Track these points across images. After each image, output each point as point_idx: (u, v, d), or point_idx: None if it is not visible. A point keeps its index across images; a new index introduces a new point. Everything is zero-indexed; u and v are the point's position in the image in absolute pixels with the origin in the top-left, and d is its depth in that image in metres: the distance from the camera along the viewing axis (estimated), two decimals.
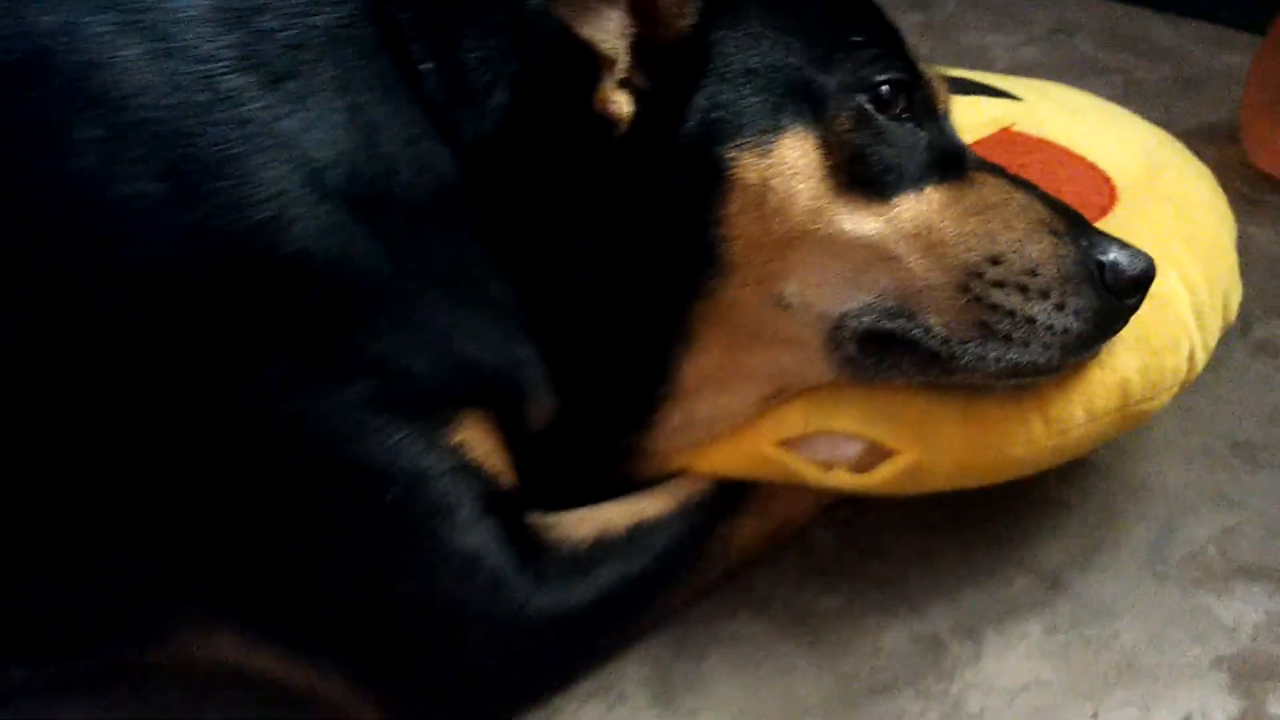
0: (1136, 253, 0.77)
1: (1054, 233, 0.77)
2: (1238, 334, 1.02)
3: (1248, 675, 0.78)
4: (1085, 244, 0.77)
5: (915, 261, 0.75)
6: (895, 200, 0.76)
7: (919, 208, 0.76)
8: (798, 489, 0.84)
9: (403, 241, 0.72)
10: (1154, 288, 0.79)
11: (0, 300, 0.66)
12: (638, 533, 0.79)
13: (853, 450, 0.79)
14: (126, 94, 0.66)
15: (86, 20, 0.67)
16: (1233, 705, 0.76)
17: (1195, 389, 0.96)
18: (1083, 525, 0.89)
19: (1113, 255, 0.76)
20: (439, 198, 0.74)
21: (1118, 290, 0.76)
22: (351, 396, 0.70)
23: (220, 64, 0.68)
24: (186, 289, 0.66)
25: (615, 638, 0.81)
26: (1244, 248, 0.92)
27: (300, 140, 0.69)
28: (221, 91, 0.67)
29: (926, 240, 0.75)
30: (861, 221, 0.75)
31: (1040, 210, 0.78)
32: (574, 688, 0.80)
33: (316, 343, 0.69)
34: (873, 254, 0.75)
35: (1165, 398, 0.82)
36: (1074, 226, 0.78)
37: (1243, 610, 0.82)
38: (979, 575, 0.86)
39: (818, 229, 0.74)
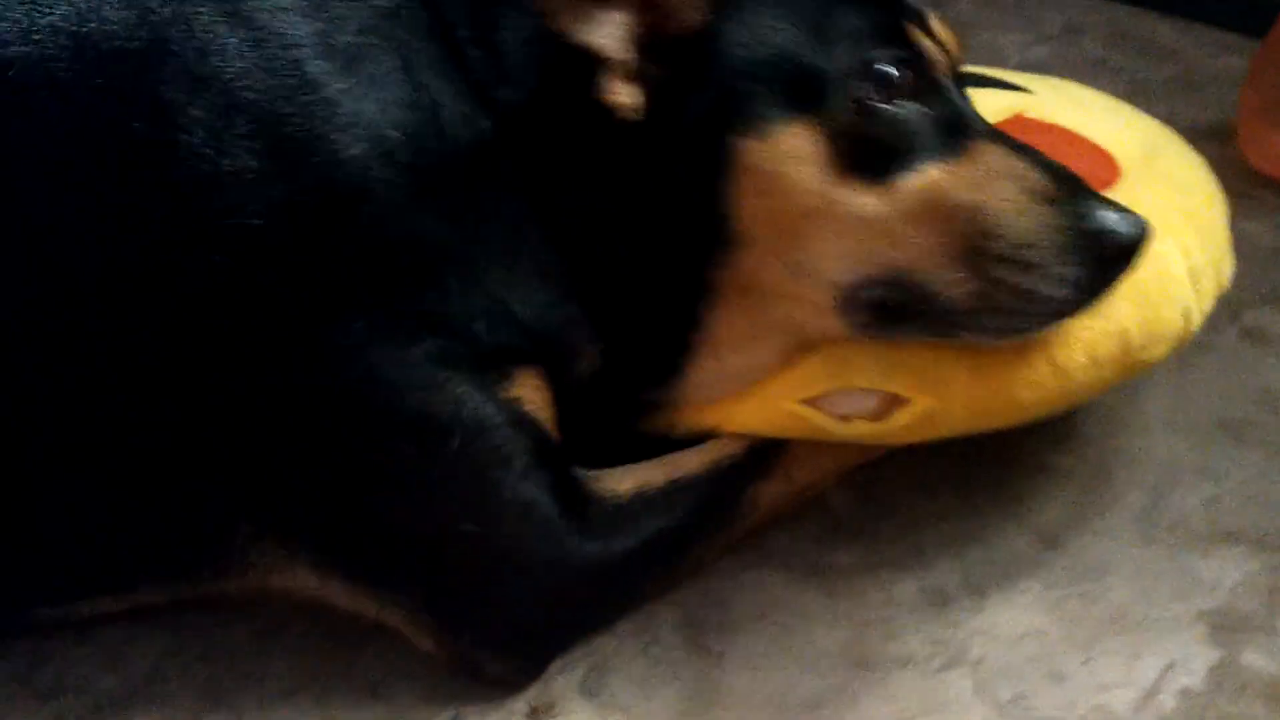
0: (1130, 217, 0.79)
1: (1051, 201, 0.78)
2: (1229, 320, 1.08)
3: (1225, 628, 0.85)
4: (1081, 211, 0.78)
5: (915, 239, 0.78)
6: (895, 181, 0.79)
7: (918, 187, 0.79)
8: (819, 455, 0.91)
9: (464, 212, 0.78)
10: (1153, 248, 0.83)
11: (111, 255, 0.73)
12: (673, 489, 0.85)
13: (870, 402, 0.84)
14: (231, 78, 0.73)
15: (196, 10, 0.74)
16: (1211, 655, 0.83)
17: (1187, 370, 1.04)
18: (1080, 491, 0.95)
19: (1107, 222, 0.78)
20: (493, 172, 0.80)
21: (1111, 255, 0.78)
22: (421, 352, 0.76)
23: (305, 50, 0.75)
24: (280, 254, 0.73)
25: (651, 584, 0.87)
26: (1237, 241, 0.97)
27: (376, 120, 0.75)
28: (308, 76, 0.75)
29: (925, 218, 0.78)
30: (863, 202, 0.78)
31: (1037, 179, 0.80)
32: (612, 632, 0.86)
33: (392, 303, 0.76)
34: (874, 233, 0.79)
35: (1162, 349, 0.87)
36: (1071, 192, 0.80)
37: (1223, 570, 0.88)
38: (984, 534, 0.92)
39: (821, 209, 0.78)
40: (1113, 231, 0.78)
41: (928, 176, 0.80)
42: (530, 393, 0.81)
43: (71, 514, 0.79)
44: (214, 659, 0.86)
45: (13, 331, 0.74)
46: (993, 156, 0.81)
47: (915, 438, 0.87)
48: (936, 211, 0.79)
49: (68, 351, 0.75)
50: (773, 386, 0.86)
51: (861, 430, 0.85)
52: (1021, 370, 0.83)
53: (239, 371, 0.75)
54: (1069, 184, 0.81)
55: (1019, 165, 0.81)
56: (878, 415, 0.85)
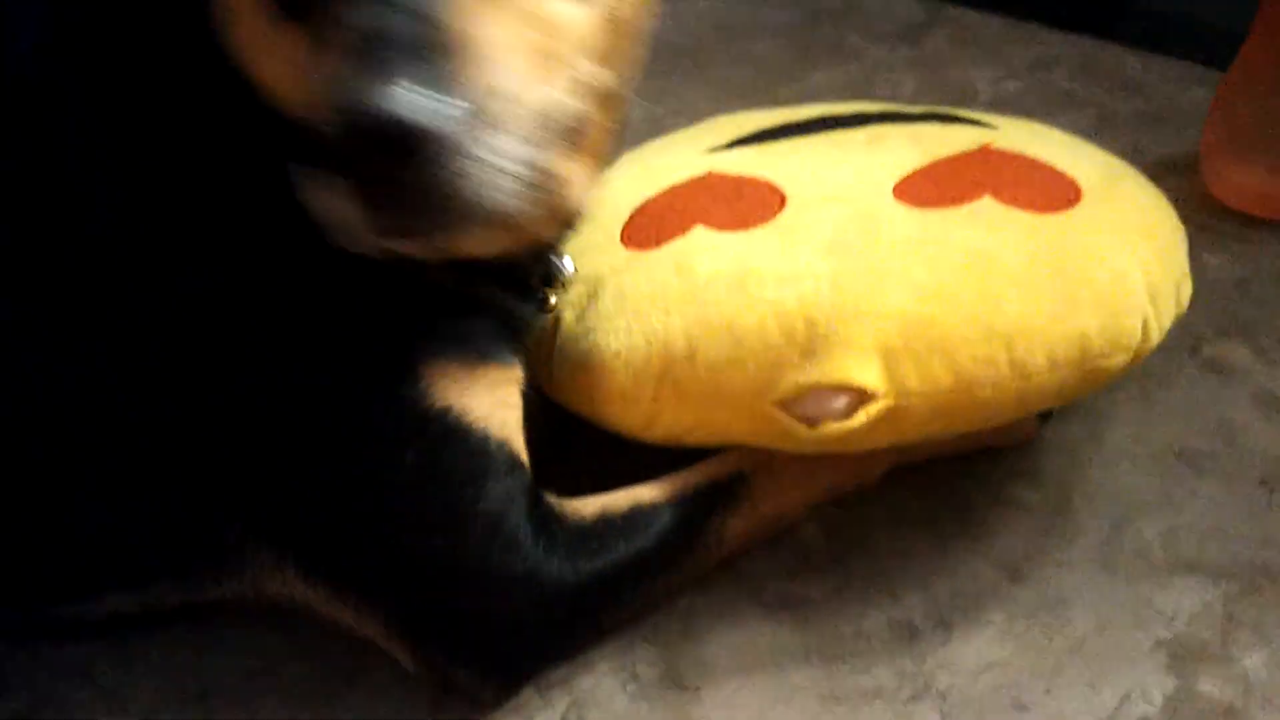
0: (423, 97, 0.57)
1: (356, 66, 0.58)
2: (1189, 351, 1.11)
3: (1182, 657, 0.87)
4: (367, 75, 0.57)
5: None
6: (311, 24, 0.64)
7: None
8: (785, 488, 0.94)
9: None
10: (1113, 263, 0.88)
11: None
12: (635, 514, 0.88)
13: (839, 404, 0.87)
14: None
15: None
16: (1168, 683, 0.86)
17: (1148, 402, 1.07)
18: (1042, 524, 0.98)
19: (376, 98, 0.56)
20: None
21: (376, 144, 0.57)
22: (368, 370, 0.79)
23: None
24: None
25: (615, 610, 0.89)
26: (1199, 272, 1.00)
27: None
28: None
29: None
30: (285, 44, 0.66)
31: (376, 37, 0.59)
32: (591, 668, 0.89)
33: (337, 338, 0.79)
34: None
35: (1121, 359, 0.89)
36: (378, 54, 0.58)
37: (1181, 600, 0.91)
38: (950, 568, 0.95)
39: (261, 52, 0.69)
40: (379, 112, 0.56)
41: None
42: (488, 398, 0.82)
43: (81, 513, 0.83)
44: (210, 699, 0.89)
45: (20, 338, 0.79)
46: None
47: (880, 439, 0.89)
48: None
49: (71, 357, 0.79)
50: (748, 386, 0.88)
51: (830, 432, 0.87)
52: (983, 367, 0.86)
53: (227, 379, 0.79)
54: (396, 44, 0.58)
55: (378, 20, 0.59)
56: (845, 415, 0.86)
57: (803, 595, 0.94)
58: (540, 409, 0.91)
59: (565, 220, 0.82)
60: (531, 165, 0.63)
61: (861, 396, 0.86)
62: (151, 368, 0.79)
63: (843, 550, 0.97)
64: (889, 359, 0.87)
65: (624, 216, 1.00)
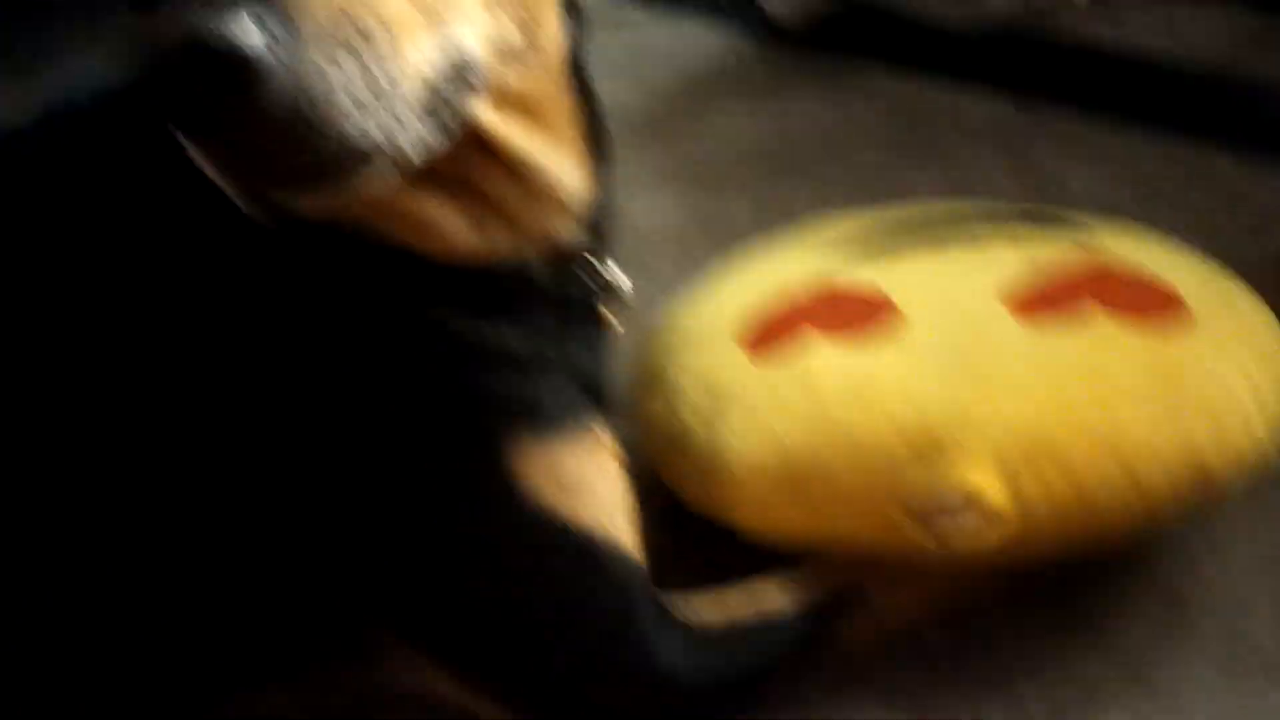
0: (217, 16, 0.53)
1: None
2: None
3: None
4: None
5: None
6: None
7: None
8: (904, 600, 0.97)
9: None
10: (1216, 371, 0.91)
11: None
12: (762, 627, 0.92)
13: (962, 509, 0.89)
14: None
15: None
16: None
17: (1259, 504, 1.08)
18: (1160, 620, 1.00)
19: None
20: None
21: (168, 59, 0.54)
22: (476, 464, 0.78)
23: None
24: None
25: (735, 711, 0.92)
26: None
27: None
28: None
29: None
30: None
31: None
32: None
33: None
34: None
35: (1233, 471, 0.92)
36: None
37: None
38: (1067, 664, 0.97)
39: None
40: (206, 39, 0.53)
41: None
42: (574, 482, 0.81)
43: (221, 608, 0.82)
44: None
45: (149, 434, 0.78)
46: None
47: (1006, 559, 0.92)
48: None
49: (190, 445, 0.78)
50: (871, 493, 0.92)
51: (955, 548, 0.89)
52: (1103, 488, 0.89)
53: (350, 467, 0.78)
54: None
55: None
56: (972, 535, 0.89)
57: (920, 688, 0.97)
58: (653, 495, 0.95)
59: (561, 207, 0.81)
60: (399, 98, 0.60)
61: (984, 508, 0.89)
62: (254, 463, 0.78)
63: (961, 644, 1.00)
64: (1009, 472, 0.90)
65: (739, 320, 1.06)
